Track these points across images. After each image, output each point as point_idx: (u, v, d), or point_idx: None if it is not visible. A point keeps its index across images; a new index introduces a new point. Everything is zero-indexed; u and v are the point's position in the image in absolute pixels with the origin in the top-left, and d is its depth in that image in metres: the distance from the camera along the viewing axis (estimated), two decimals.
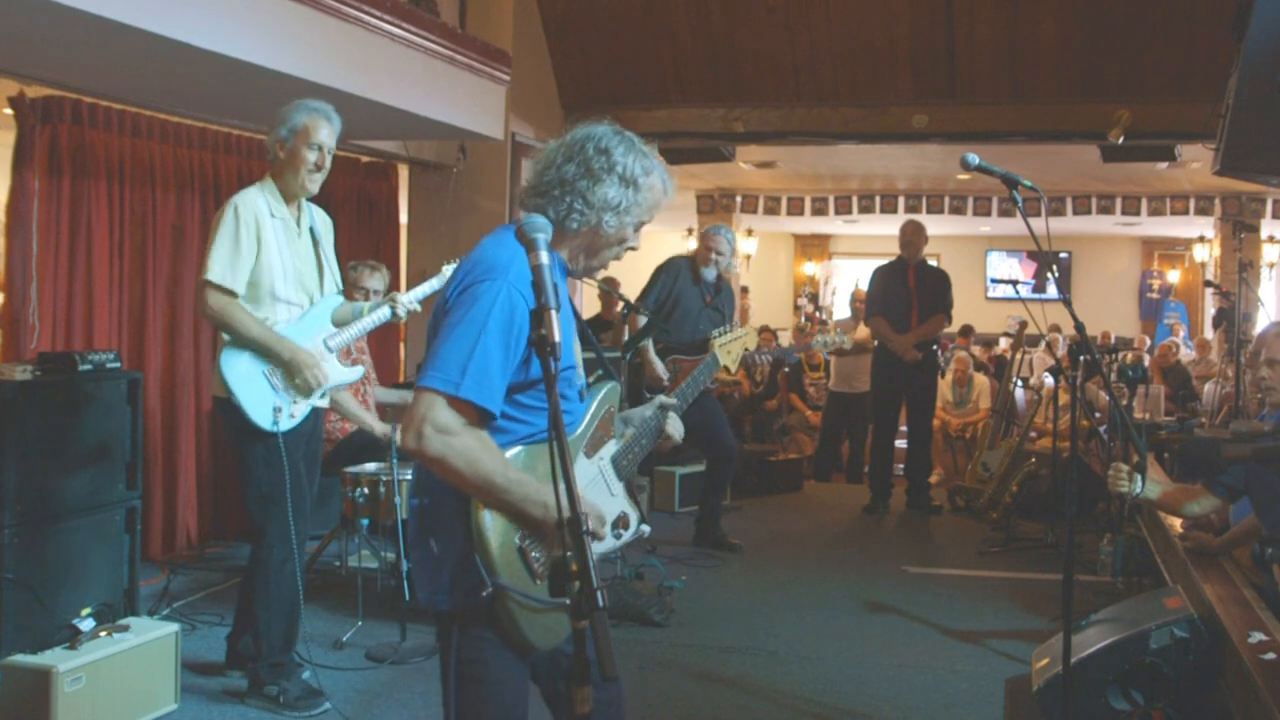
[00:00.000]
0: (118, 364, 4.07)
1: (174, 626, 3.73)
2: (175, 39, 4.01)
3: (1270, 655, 2.78)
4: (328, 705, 3.72)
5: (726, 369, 3.00)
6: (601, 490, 2.20)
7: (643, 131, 2.15)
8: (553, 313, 1.70)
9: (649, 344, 5.80)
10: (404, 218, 7.65)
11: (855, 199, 12.62)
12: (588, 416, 2.18)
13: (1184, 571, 3.75)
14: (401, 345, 7.56)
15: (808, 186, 12.72)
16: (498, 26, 7.11)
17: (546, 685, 2.17)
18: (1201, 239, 13.88)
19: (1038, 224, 2.85)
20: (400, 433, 1.92)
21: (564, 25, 7.85)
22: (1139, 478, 3.55)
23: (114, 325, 5.26)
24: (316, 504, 4.00)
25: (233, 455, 3.78)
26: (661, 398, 2.42)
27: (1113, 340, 13.08)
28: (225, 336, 3.59)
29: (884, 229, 14.12)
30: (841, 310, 15.40)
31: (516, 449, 1.99)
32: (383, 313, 3.89)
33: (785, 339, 13.07)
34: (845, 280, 16.32)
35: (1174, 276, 16.17)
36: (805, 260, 17.38)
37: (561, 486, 1.61)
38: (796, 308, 16.82)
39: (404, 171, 7.49)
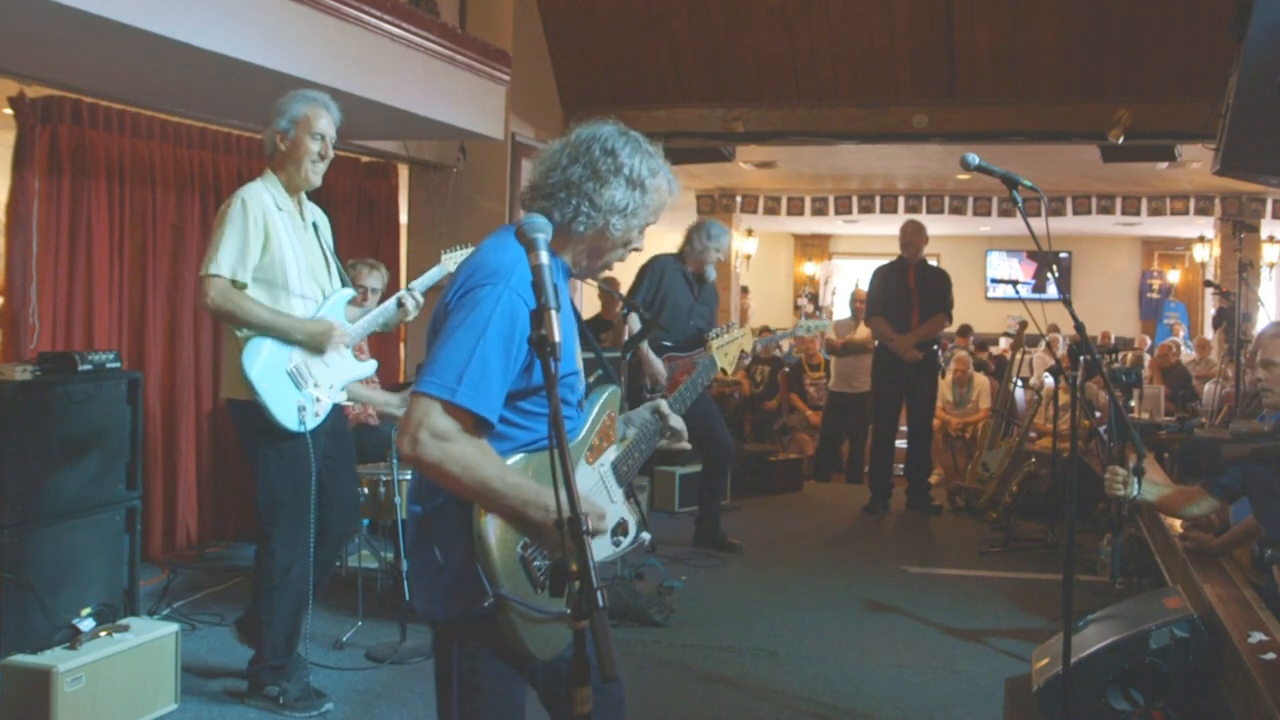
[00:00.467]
0: (118, 364, 4.07)
1: (174, 626, 3.73)
2: (175, 39, 4.01)
3: (1270, 655, 2.78)
4: (329, 706, 3.72)
5: (724, 370, 3.00)
6: (602, 496, 2.19)
7: (643, 131, 2.12)
8: (553, 313, 1.68)
9: (646, 344, 5.79)
10: (404, 218, 7.64)
11: (855, 199, 12.62)
12: (588, 422, 2.17)
13: (1184, 571, 3.75)
14: (401, 345, 7.55)
15: (808, 186, 12.71)
16: (498, 26, 7.11)
17: (545, 688, 2.15)
18: (1201, 239, 13.88)
19: (1038, 224, 2.85)
20: (396, 438, 1.91)
21: (564, 25, 7.85)
22: (1135, 481, 3.55)
23: (114, 325, 5.26)
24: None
25: (247, 458, 3.73)
26: (660, 402, 2.40)
27: (1113, 340, 13.10)
28: (239, 334, 3.51)
29: (884, 229, 14.11)
30: (842, 310, 15.39)
31: (518, 456, 1.97)
32: (389, 305, 3.84)
33: (785, 339, 13.06)
34: (845, 280, 16.32)
35: (1174, 276, 16.17)
36: (805, 260, 17.38)
37: (562, 487, 1.61)
38: (796, 308, 16.81)
39: (404, 171, 7.49)
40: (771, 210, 13.12)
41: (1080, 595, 4.57)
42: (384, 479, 4.69)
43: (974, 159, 2.91)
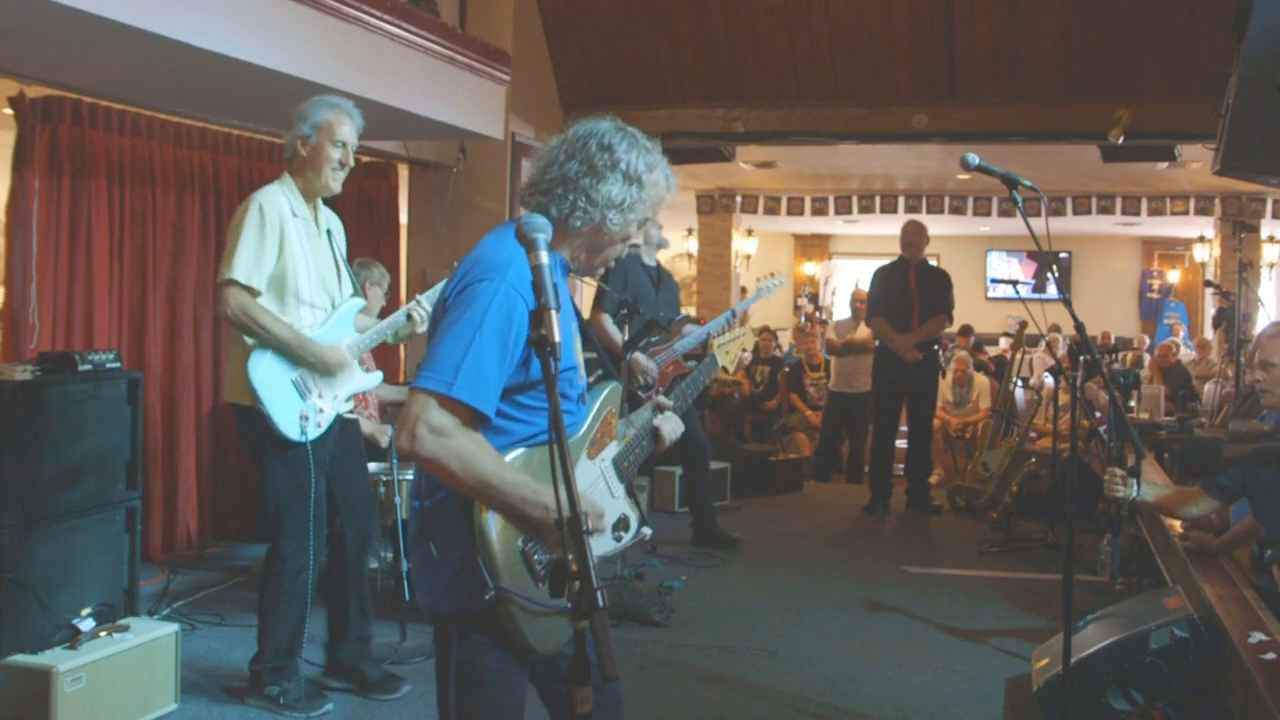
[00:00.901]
0: (118, 364, 4.07)
1: (174, 626, 3.73)
2: (175, 39, 4.01)
3: (1270, 655, 2.78)
4: (329, 706, 3.72)
5: (724, 369, 3.00)
6: (603, 492, 2.19)
7: (643, 131, 2.13)
8: (553, 313, 1.69)
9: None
10: (404, 218, 7.65)
11: (855, 199, 12.62)
12: (589, 418, 2.17)
13: (1184, 571, 3.75)
14: (401, 345, 7.55)
15: (808, 186, 12.72)
16: (498, 26, 7.11)
17: (545, 686, 2.15)
18: (1201, 239, 13.88)
19: (1038, 224, 2.85)
20: (395, 433, 1.91)
21: (564, 25, 7.85)
22: (1134, 482, 3.55)
23: (114, 325, 5.26)
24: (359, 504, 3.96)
25: (252, 461, 3.72)
26: (660, 399, 2.41)
27: (1113, 340, 13.10)
28: (249, 341, 3.49)
29: (884, 229, 14.12)
30: (842, 310, 15.40)
31: (517, 451, 1.98)
32: (398, 318, 3.79)
33: (785, 339, 13.09)
34: (845, 280, 16.32)
35: (1174, 276, 16.17)
36: (805, 260, 17.38)
37: (562, 487, 1.61)
38: (796, 308, 16.82)
39: (404, 171, 7.50)
40: (771, 210, 13.12)
41: (1080, 595, 4.58)
42: (384, 479, 4.69)
43: (974, 159, 2.91)
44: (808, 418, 9.73)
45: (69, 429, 3.82)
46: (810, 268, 17.30)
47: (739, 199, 13.04)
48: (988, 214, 12.63)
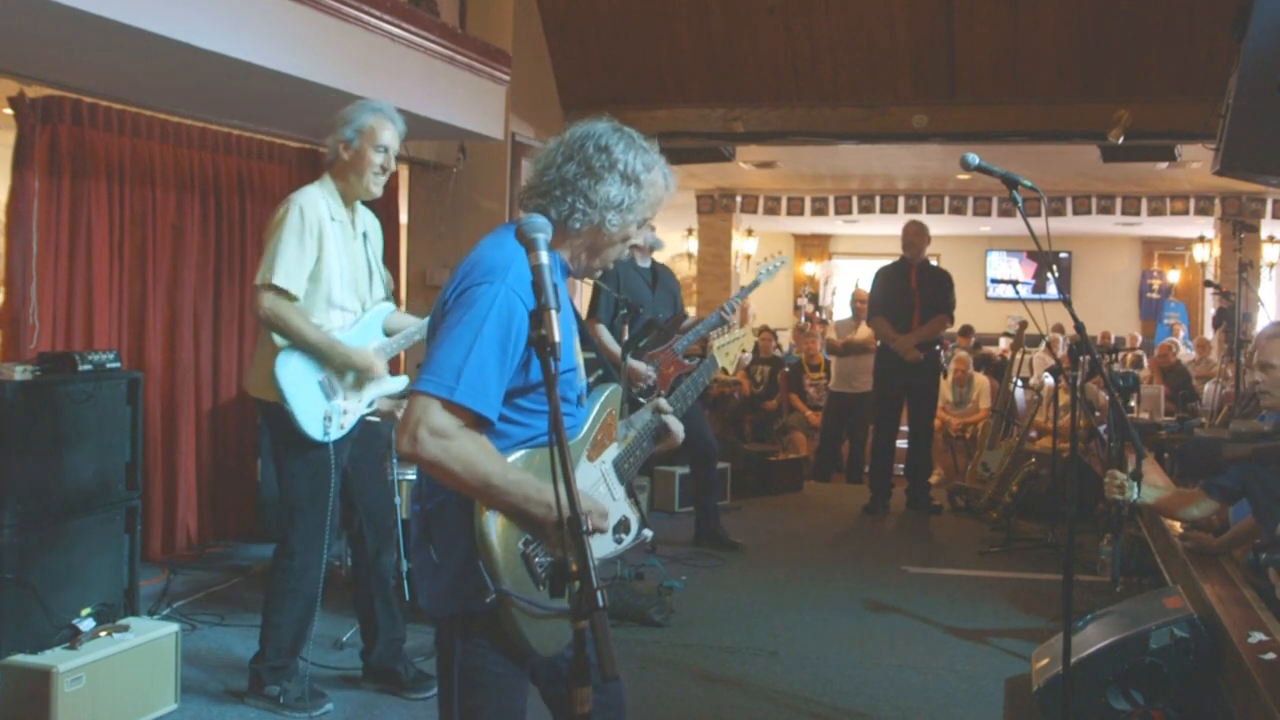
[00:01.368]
0: (118, 364, 4.07)
1: (174, 626, 3.73)
2: (176, 39, 4.01)
3: (1270, 655, 2.78)
4: (329, 706, 3.72)
5: (724, 370, 3.00)
6: (604, 494, 2.19)
7: (643, 131, 2.12)
8: (553, 313, 1.69)
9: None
10: (404, 218, 7.65)
11: (855, 199, 12.62)
12: (589, 420, 2.17)
13: (1184, 571, 3.75)
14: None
15: (808, 186, 12.72)
16: (498, 26, 7.11)
17: (547, 687, 2.15)
18: (1201, 239, 13.89)
19: (1038, 224, 2.85)
20: (395, 437, 1.91)
21: (564, 25, 7.85)
22: (1134, 485, 3.55)
23: (114, 325, 5.26)
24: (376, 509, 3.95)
25: (272, 457, 3.74)
26: (660, 400, 2.41)
27: (1113, 340, 13.10)
28: (278, 341, 3.52)
29: (884, 229, 14.12)
30: (842, 310, 15.41)
31: (519, 453, 1.97)
32: (426, 323, 3.81)
33: (785, 339, 13.09)
34: (845, 280, 16.32)
35: (1174, 276, 16.17)
36: (805, 260, 17.38)
37: (562, 488, 1.61)
38: (796, 308, 16.81)
39: (404, 171, 7.49)
40: (771, 210, 13.13)
41: (1080, 595, 4.58)
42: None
43: (974, 159, 2.91)
44: (807, 418, 9.73)
45: (69, 429, 3.82)
46: (810, 268, 17.30)
47: (739, 199, 13.04)
48: (988, 214, 12.63)
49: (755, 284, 6.15)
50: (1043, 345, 10.14)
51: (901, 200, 12.48)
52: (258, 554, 5.70)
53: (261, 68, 4.51)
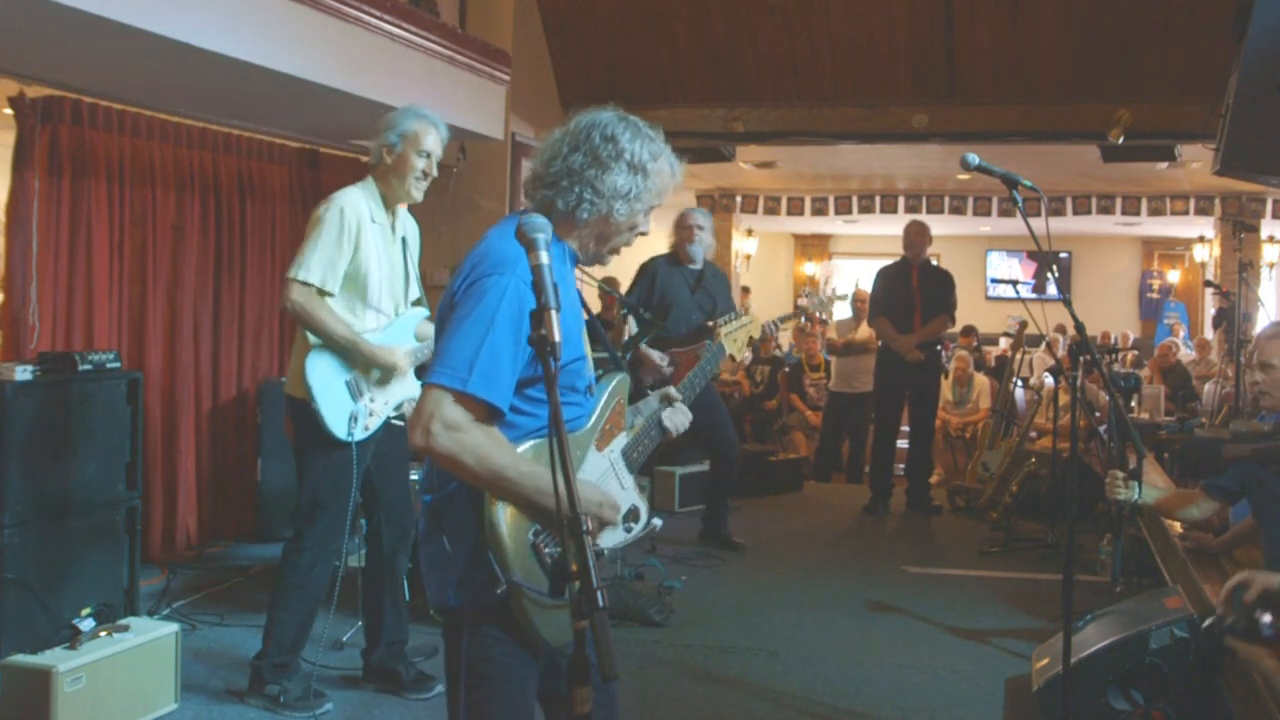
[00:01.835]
0: (118, 364, 4.07)
1: (174, 626, 3.73)
2: (176, 39, 4.01)
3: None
4: (329, 706, 3.72)
5: (732, 357, 3.00)
6: (613, 483, 2.19)
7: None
8: (553, 313, 1.69)
9: (643, 341, 5.77)
10: None
11: (855, 199, 12.62)
12: (598, 409, 2.17)
13: (1184, 571, 3.75)
14: None
15: (808, 186, 12.71)
16: (498, 26, 7.11)
17: (542, 684, 2.15)
18: (1201, 239, 13.88)
19: (1038, 224, 2.85)
20: (409, 429, 1.91)
21: (564, 25, 7.85)
22: (1136, 485, 3.54)
23: (114, 325, 5.26)
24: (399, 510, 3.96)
25: (295, 452, 3.77)
26: (669, 389, 2.40)
27: (1113, 340, 13.11)
28: (311, 339, 3.55)
29: (884, 229, 14.11)
30: (842, 310, 15.42)
31: (528, 444, 1.98)
32: None
33: (785, 339, 13.07)
34: (845, 280, 16.31)
35: (1174, 276, 16.17)
36: (805, 260, 17.38)
37: (562, 487, 1.61)
38: (796, 308, 16.80)
39: None
40: (771, 210, 13.12)
41: (1080, 595, 4.58)
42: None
43: (974, 159, 2.90)
44: (807, 418, 9.73)
45: (69, 429, 3.82)
46: (810, 268, 17.30)
47: (739, 199, 13.04)
48: (988, 214, 12.63)
49: (790, 317, 6.36)
50: (1043, 345, 10.14)
51: (901, 200, 12.47)
52: (258, 554, 5.70)
53: (261, 68, 4.51)
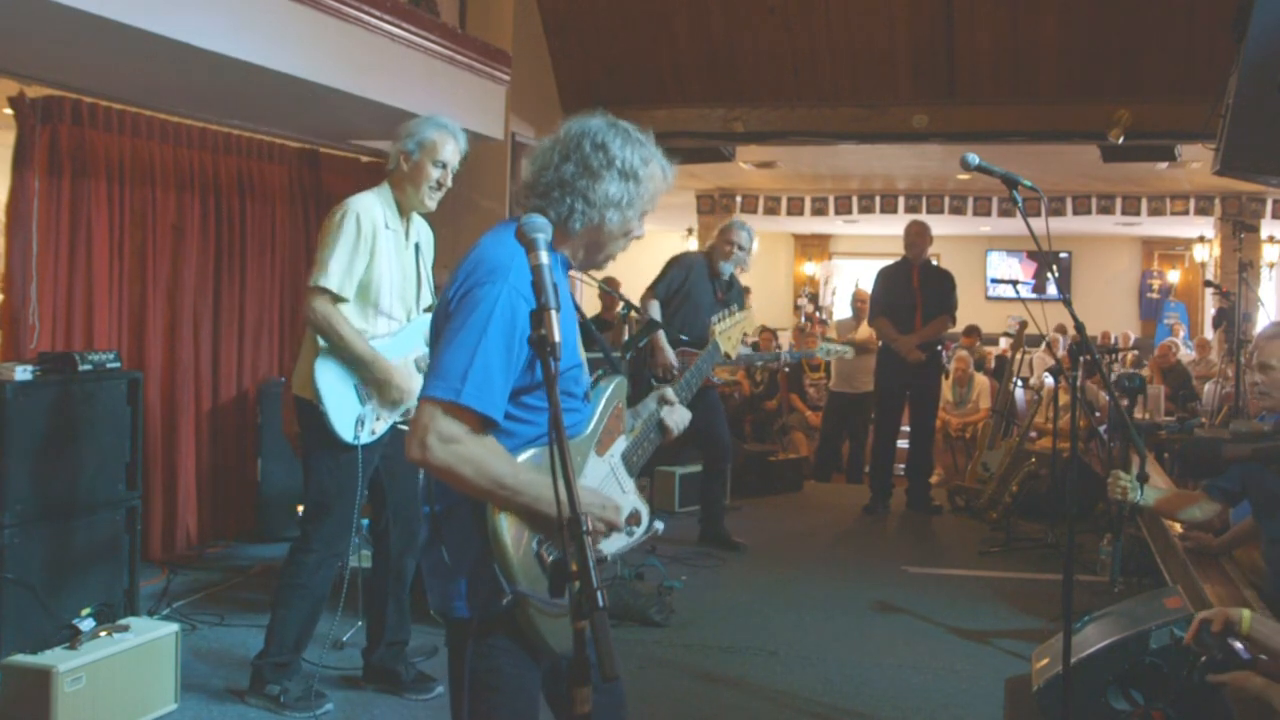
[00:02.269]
0: (118, 364, 4.07)
1: (174, 626, 3.73)
2: (175, 39, 4.01)
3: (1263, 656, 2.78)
4: (329, 706, 3.72)
5: (727, 355, 2.99)
6: (614, 487, 2.19)
7: (637, 126, 2.12)
8: (553, 313, 1.68)
9: (661, 333, 5.77)
10: None
11: (855, 199, 12.62)
12: (596, 414, 2.16)
13: (1184, 571, 3.75)
14: None
15: (808, 186, 12.72)
16: (498, 26, 7.11)
17: (547, 687, 2.15)
18: (1201, 239, 13.89)
19: (1038, 224, 2.85)
20: (405, 444, 1.91)
21: (564, 25, 7.85)
22: (1139, 486, 3.54)
23: (114, 325, 5.26)
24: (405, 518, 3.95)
25: (303, 454, 3.77)
26: (666, 390, 2.40)
27: (1113, 340, 13.11)
28: (321, 342, 3.55)
29: (884, 229, 14.12)
30: (842, 310, 15.41)
31: (528, 451, 1.97)
32: None
33: (785, 339, 13.07)
34: (845, 280, 16.32)
35: (1174, 276, 16.17)
36: (805, 260, 17.38)
37: (563, 489, 1.61)
38: (796, 308, 16.81)
39: None
40: (771, 210, 13.12)
41: (1080, 595, 4.57)
42: None
43: (974, 159, 2.90)
44: (807, 418, 9.73)
45: (69, 429, 3.82)
46: (810, 268, 17.30)
47: (739, 199, 13.04)
48: (988, 214, 12.63)
49: (811, 354, 6.51)
50: (1043, 345, 10.15)
51: (901, 200, 12.47)
52: (258, 554, 5.70)
53: (261, 68, 4.51)
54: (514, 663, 1.97)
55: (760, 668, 4.26)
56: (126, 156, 5.27)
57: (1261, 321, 8.90)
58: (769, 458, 8.33)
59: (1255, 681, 2.41)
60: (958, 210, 12.54)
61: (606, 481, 2.17)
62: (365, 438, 3.61)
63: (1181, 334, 14.12)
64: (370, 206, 3.58)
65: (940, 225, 12.85)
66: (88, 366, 3.91)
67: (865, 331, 8.51)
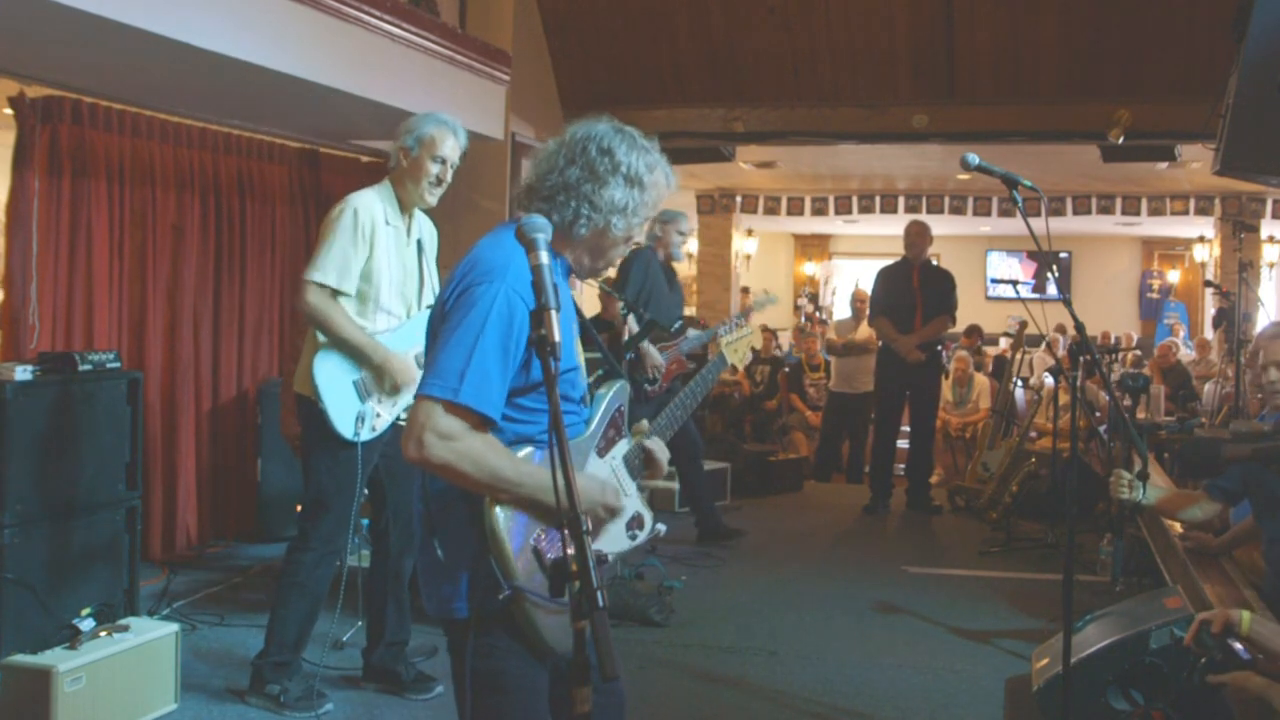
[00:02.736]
0: (118, 364, 4.07)
1: (174, 626, 3.73)
2: (175, 39, 4.01)
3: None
4: (329, 706, 3.72)
5: (734, 367, 3.00)
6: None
7: (642, 131, 2.11)
8: (553, 313, 1.68)
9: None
10: None
11: (855, 199, 12.62)
12: (598, 415, 2.16)
13: (1184, 571, 3.74)
14: None
15: (808, 186, 12.71)
16: (498, 26, 7.11)
17: (552, 689, 2.14)
18: (1201, 239, 13.88)
19: (1038, 224, 2.85)
20: (402, 442, 1.90)
21: (564, 25, 7.85)
22: (1141, 486, 3.54)
23: (114, 325, 5.26)
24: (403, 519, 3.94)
25: (304, 452, 3.78)
26: (642, 423, 2.33)
27: (1113, 340, 13.11)
28: (320, 338, 3.57)
29: (884, 229, 14.12)
30: (842, 310, 15.41)
31: (526, 449, 1.97)
32: None
33: (785, 339, 13.08)
34: (845, 280, 16.32)
35: (1174, 276, 16.17)
36: (805, 260, 17.38)
37: (563, 486, 1.60)
38: (796, 308, 16.81)
39: None
40: (771, 210, 13.12)
41: (1080, 595, 4.57)
42: None
43: (974, 159, 2.90)
44: (807, 418, 9.73)
45: (69, 429, 3.82)
46: (810, 268, 17.29)
47: (739, 199, 13.03)
48: (988, 214, 12.63)
49: (749, 311, 6.37)
50: (1043, 345, 10.15)
51: (901, 200, 12.47)
52: (258, 554, 5.70)
53: (261, 68, 4.51)
54: (519, 664, 1.96)
55: (760, 668, 4.26)
56: (126, 156, 5.27)
57: (1261, 321, 8.89)
58: (769, 458, 8.33)
59: (1255, 681, 2.41)
60: (958, 210, 12.53)
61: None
62: (365, 435, 3.61)
63: (1181, 334, 14.12)
64: (370, 203, 3.59)
65: (940, 225, 12.84)
66: (88, 366, 3.91)
67: (865, 331, 8.51)
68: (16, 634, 3.50)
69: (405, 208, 3.71)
